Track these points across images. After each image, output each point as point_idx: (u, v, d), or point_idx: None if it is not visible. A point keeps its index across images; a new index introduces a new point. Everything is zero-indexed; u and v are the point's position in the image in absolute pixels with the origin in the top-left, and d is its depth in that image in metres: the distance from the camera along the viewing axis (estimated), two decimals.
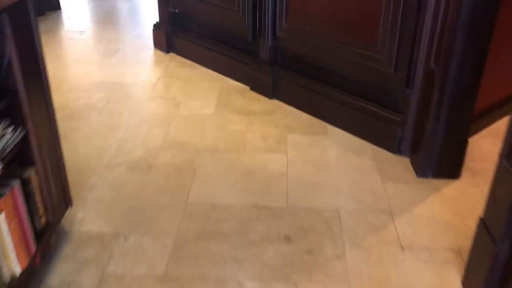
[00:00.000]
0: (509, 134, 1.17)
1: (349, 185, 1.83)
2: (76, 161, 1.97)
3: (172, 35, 3.05)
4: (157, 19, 3.13)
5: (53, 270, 1.45)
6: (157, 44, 3.17)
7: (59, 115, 2.33)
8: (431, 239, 1.57)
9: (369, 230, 1.60)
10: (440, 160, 1.84)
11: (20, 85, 1.23)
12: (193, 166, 1.94)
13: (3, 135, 1.20)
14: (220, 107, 2.43)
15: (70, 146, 2.07)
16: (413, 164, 1.93)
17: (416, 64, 1.84)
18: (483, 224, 1.28)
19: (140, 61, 3.02)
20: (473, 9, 1.58)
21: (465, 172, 1.89)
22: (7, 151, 1.19)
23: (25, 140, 1.29)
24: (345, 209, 1.69)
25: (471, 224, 1.60)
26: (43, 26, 3.65)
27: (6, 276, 1.19)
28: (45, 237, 1.40)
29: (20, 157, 1.29)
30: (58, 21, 3.84)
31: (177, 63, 2.97)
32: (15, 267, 1.22)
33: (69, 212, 1.63)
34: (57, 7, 4.06)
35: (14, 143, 1.23)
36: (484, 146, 2.09)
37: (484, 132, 2.19)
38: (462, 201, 1.75)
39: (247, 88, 2.63)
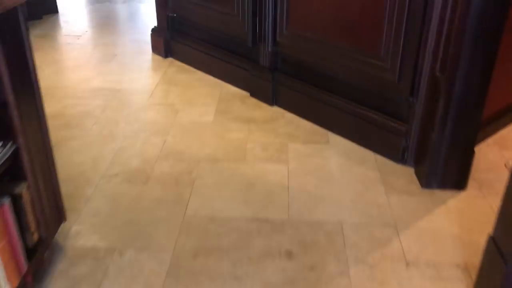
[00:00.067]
0: None
1: (352, 197, 1.77)
2: (71, 172, 1.92)
3: (171, 40, 3.00)
4: (156, 24, 3.08)
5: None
6: (156, 49, 3.12)
7: (55, 123, 2.29)
8: (437, 254, 1.52)
9: (373, 245, 1.55)
10: (446, 171, 1.79)
11: (11, 98, 1.18)
12: (192, 177, 1.88)
13: None
14: (220, 115, 2.37)
15: (65, 155, 2.02)
16: (417, 174, 1.88)
17: (421, 72, 1.79)
18: (493, 242, 1.23)
19: (138, 66, 2.97)
20: (480, 15, 1.53)
21: (471, 183, 1.84)
22: None
23: (16, 155, 1.23)
24: (348, 223, 1.64)
25: (479, 239, 1.55)
26: (40, 30, 3.61)
27: None
28: (37, 253, 1.35)
29: (11, 172, 1.24)
30: (55, 25, 3.79)
31: (175, 68, 2.92)
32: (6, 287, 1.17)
33: (63, 226, 1.58)
34: (54, 10, 4.02)
35: (4, 158, 1.18)
36: (490, 155, 2.04)
37: (490, 140, 2.14)
38: (468, 213, 1.70)
39: (247, 94, 2.58)
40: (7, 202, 1.18)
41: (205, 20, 2.69)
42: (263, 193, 1.80)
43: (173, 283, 1.40)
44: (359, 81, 2.04)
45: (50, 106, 2.43)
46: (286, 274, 1.44)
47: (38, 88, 1.33)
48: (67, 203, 1.69)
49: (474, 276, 1.36)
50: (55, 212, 1.46)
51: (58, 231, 1.54)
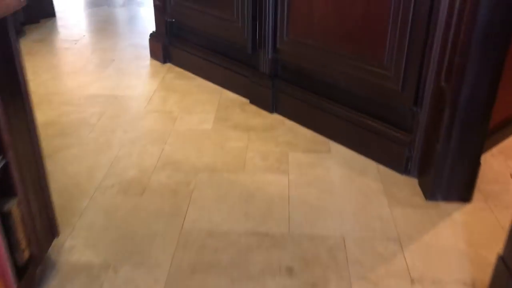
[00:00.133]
0: None
1: (354, 209, 1.72)
2: (65, 183, 1.87)
3: (169, 45, 2.95)
4: (154, 28, 3.03)
5: None
6: (154, 55, 3.07)
7: (50, 132, 2.24)
8: (443, 270, 1.47)
9: (377, 261, 1.50)
10: (451, 183, 1.74)
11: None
12: (189, 188, 1.83)
13: None
14: (219, 122, 2.32)
15: (60, 165, 1.97)
16: (421, 186, 1.83)
17: (425, 81, 1.74)
18: (503, 262, 1.18)
19: (136, 72, 2.92)
20: (487, 24, 1.48)
21: (476, 195, 1.79)
22: None
23: (5, 170, 1.18)
24: (351, 237, 1.59)
25: (486, 254, 1.51)
26: (37, 34, 3.56)
27: None
28: (28, 271, 1.30)
29: (0, 188, 1.19)
30: (52, 29, 3.74)
31: (174, 74, 2.87)
32: None
33: (57, 240, 1.53)
34: (52, 14, 3.97)
35: None
36: (495, 166, 1.99)
37: (495, 149, 2.09)
38: (475, 227, 1.65)
39: (247, 101, 2.53)
40: None
41: (204, 25, 2.64)
42: (263, 205, 1.75)
43: None
44: (361, 89, 1.99)
45: (45, 114, 2.39)
46: None
47: (28, 100, 1.27)
48: (61, 216, 1.64)
49: None
50: (47, 228, 1.41)
51: (51, 246, 1.49)
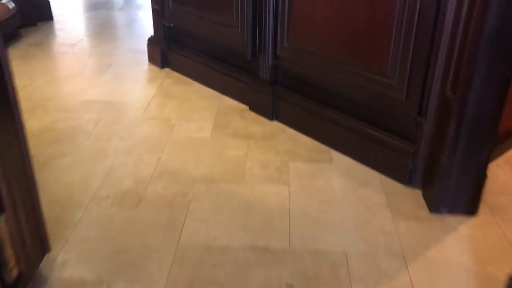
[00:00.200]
0: None
1: (357, 223, 1.67)
2: (59, 193, 1.81)
3: (168, 50, 2.90)
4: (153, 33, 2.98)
5: None
6: (152, 59, 3.02)
7: (44, 139, 2.18)
8: (449, 287, 1.42)
9: (380, 278, 1.44)
10: (456, 195, 1.69)
11: None
12: (187, 200, 1.78)
13: None
14: (217, 130, 2.27)
15: (53, 175, 1.92)
16: (425, 198, 1.78)
17: (430, 90, 1.69)
18: None
19: (134, 77, 2.87)
20: (496, 33, 1.43)
21: (482, 207, 1.74)
22: None
23: None
24: (354, 252, 1.54)
25: (492, 270, 1.46)
26: (33, 38, 3.51)
27: None
28: None
29: None
30: (50, 32, 3.69)
31: (172, 79, 2.82)
32: None
33: (49, 255, 1.47)
34: (49, 17, 3.91)
35: None
36: (501, 177, 1.94)
37: (500, 160, 2.04)
38: (481, 242, 1.59)
39: (246, 108, 2.47)
40: None
41: (203, 30, 2.59)
42: (263, 218, 1.69)
43: None
44: (363, 98, 1.94)
45: (40, 120, 2.33)
46: None
47: (18, 109, 1.22)
48: (54, 228, 1.60)
49: None
50: (38, 244, 1.35)
51: (43, 261, 1.44)
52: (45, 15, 3.86)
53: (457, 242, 1.59)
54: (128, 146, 2.12)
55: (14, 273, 1.23)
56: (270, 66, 2.28)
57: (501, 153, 2.05)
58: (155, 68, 2.97)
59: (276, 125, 2.32)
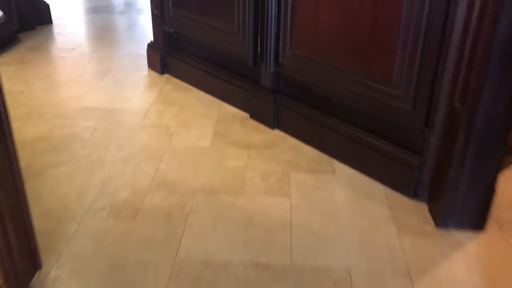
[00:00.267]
0: None
1: (360, 238, 1.61)
2: (53, 204, 1.76)
3: (167, 55, 2.85)
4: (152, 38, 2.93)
5: None
6: (151, 65, 2.97)
7: (40, 147, 2.13)
8: None
9: None
10: (463, 210, 1.63)
11: None
12: (185, 212, 1.72)
13: None
14: (217, 138, 2.22)
15: (48, 185, 1.86)
16: (431, 212, 1.72)
17: (437, 101, 1.63)
18: None
19: (133, 83, 2.81)
20: (507, 41, 1.37)
21: (490, 222, 1.68)
22: None
23: None
24: (357, 270, 1.48)
25: None
26: (32, 42, 3.46)
27: None
28: None
29: None
30: (48, 36, 3.64)
31: (172, 86, 2.77)
32: None
33: (41, 270, 1.42)
34: (48, 21, 3.87)
35: None
36: (509, 190, 1.88)
37: (509, 172, 1.98)
38: (489, 259, 1.54)
39: (247, 115, 2.42)
40: None
41: (203, 36, 2.54)
42: (263, 232, 1.64)
43: None
44: (367, 107, 1.89)
45: (36, 127, 2.28)
46: None
47: (8, 125, 1.17)
48: (47, 241, 1.54)
49: None
50: (28, 260, 1.30)
51: (35, 277, 1.38)
52: (44, 19, 3.82)
53: (464, 259, 1.53)
54: (126, 155, 2.07)
55: None
56: (272, 73, 2.23)
57: (508, 165, 2.00)
58: (155, 74, 2.92)
59: (278, 133, 2.27)
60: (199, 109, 2.50)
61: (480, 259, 1.53)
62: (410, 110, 1.70)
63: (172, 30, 2.77)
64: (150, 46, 2.94)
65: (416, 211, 1.75)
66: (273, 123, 2.30)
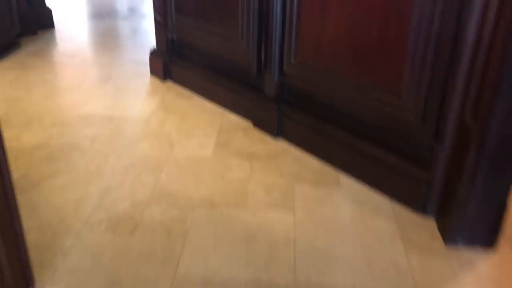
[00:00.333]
0: None
1: (367, 255, 1.55)
2: (50, 217, 1.71)
3: (170, 62, 2.80)
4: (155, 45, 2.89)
5: None
6: (154, 72, 2.92)
7: (38, 156, 2.08)
8: None
9: None
10: (473, 228, 1.57)
11: None
12: (185, 226, 1.67)
13: None
14: (220, 148, 2.16)
15: (45, 196, 1.81)
16: (440, 229, 1.66)
17: (447, 114, 1.57)
18: None
19: (135, 90, 2.77)
20: None
21: (502, 240, 1.62)
22: None
23: None
24: None
25: None
26: (33, 47, 3.42)
27: None
28: None
29: None
30: (50, 41, 3.60)
31: (174, 93, 2.72)
32: None
33: (34, 287, 1.37)
34: (50, 25, 3.83)
35: None
36: None
37: None
38: (500, 279, 1.48)
39: (250, 124, 2.37)
40: None
41: (207, 44, 2.49)
42: (266, 248, 1.58)
43: None
44: (374, 119, 1.83)
45: (35, 135, 2.23)
46: None
47: (0, 138, 1.12)
48: (42, 256, 1.49)
49: None
50: (19, 277, 1.25)
51: None
52: (46, 23, 3.78)
53: (474, 279, 1.47)
54: (126, 165, 2.02)
55: None
56: (276, 82, 2.18)
57: None
58: (157, 81, 2.88)
59: (281, 144, 2.22)
60: (201, 117, 2.45)
61: (491, 279, 1.47)
62: (418, 122, 1.65)
63: (175, 37, 2.72)
64: (153, 53, 2.90)
65: (424, 228, 1.69)
66: (276, 132, 2.25)
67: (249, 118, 2.39)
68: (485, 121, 1.41)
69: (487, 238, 1.59)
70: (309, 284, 1.44)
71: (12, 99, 2.59)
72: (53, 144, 2.16)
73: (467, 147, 1.49)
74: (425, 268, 1.51)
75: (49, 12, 3.81)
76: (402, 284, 1.45)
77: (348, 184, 1.93)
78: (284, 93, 2.21)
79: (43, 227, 1.65)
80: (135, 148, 2.16)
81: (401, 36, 1.61)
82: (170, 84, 2.83)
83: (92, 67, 3.10)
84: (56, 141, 2.19)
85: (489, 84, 1.38)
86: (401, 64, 1.64)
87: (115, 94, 2.70)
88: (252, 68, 2.24)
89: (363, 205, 1.80)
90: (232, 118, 2.45)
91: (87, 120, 2.39)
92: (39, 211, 1.73)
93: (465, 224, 1.57)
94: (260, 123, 2.30)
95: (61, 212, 1.73)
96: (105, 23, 4.11)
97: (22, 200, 1.79)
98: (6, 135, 2.23)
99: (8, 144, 2.16)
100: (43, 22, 3.75)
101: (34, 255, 1.50)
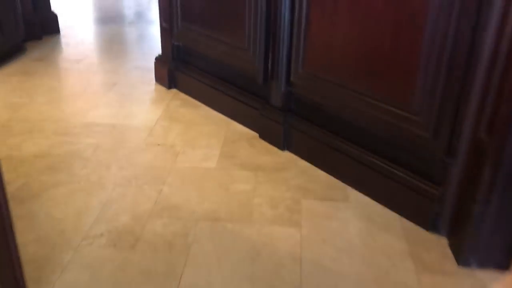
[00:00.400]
0: None
1: (376, 275, 1.49)
2: (49, 229, 1.66)
3: (175, 70, 2.76)
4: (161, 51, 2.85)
5: None
6: (159, 79, 2.88)
7: (39, 165, 2.03)
8: None
9: None
10: (488, 248, 1.51)
11: None
12: (187, 241, 1.61)
13: None
14: (224, 159, 2.11)
15: (45, 207, 1.77)
16: (452, 248, 1.60)
17: (461, 129, 1.52)
18: None
19: (139, 98, 2.72)
20: None
21: None
22: None
23: None
24: None
25: None
26: (37, 52, 3.39)
27: None
28: None
29: None
30: (55, 46, 3.57)
31: (179, 101, 2.67)
32: None
33: None
34: (56, 30, 3.80)
35: None
36: None
37: None
38: None
39: (256, 135, 2.32)
40: None
41: (213, 51, 2.44)
42: (271, 266, 1.52)
43: None
44: (385, 133, 1.78)
45: (36, 144, 2.19)
46: None
47: None
48: (39, 271, 1.45)
49: None
50: None
51: None
52: (51, 28, 3.75)
53: None
54: (128, 176, 1.97)
55: None
56: (283, 92, 2.13)
57: None
58: (162, 89, 2.83)
59: (288, 156, 2.16)
60: (206, 127, 2.40)
61: None
62: (430, 137, 1.59)
63: (180, 44, 2.68)
64: (158, 60, 2.86)
65: (436, 246, 1.63)
66: (283, 144, 2.20)
67: (255, 128, 2.34)
68: (502, 138, 1.35)
69: (502, 260, 1.53)
70: None
71: (15, 105, 2.55)
72: (55, 153, 2.12)
73: (482, 164, 1.43)
74: None
75: (54, 16, 3.78)
76: None
77: (357, 199, 1.87)
78: (291, 103, 2.16)
79: (41, 240, 1.60)
80: (138, 158, 2.11)
81: (414, 48, 1.56)
82: (175, 91, 2.79)
83: (96, 74, 3.06)
84: (58, 149, 2.15)
85: (507, 99, 1.32)
86: (413, 77, 1.59)
87: (119, 102, 2.66)
88: (258, 77, 2.19)
89: (372, 221, 1.74)
90: (238, 128, 2.40)
91: (89, 128, 2.34)
92: (38, 223, 1.68)
93: (478, 244, 1.50)
94: (266, 134, 2.25)
95: (61, 224, 1.69)
96: (112, 28, 4.08)
97: (22, 211, 1.75)
98: (8, 143, 2.19)
99: (9, 152, 2.12)
100: (48, 27, 3.73)
101: (31, 270, 1.46)
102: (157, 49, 2.99)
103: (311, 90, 2.00)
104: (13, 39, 3.20)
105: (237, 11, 2.20)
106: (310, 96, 2.04)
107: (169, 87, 2.81)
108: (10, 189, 1.86)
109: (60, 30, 3.85)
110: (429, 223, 1.69)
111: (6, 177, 1.89)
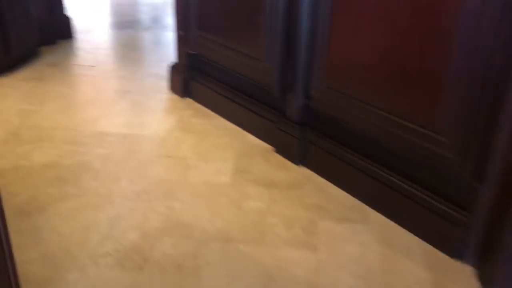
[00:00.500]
0: None
1: None
2: (54, 246, 1.59)
3: (190, 79, 2.69)
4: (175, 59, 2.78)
5: None
6: (173, 88, 2.81)
7: (47, 176, 1.97)
8: None
9: None
10: None
11: None
12: (198, 263, 1.54)
13: None
14: (238, 174, 2.03)
15: (51, 223, 1.70)
16: (480, 279, 1.50)
17: (491, 152, 1.42)
18: None
19: (152, 107, 2.66)
20: None
21: None
22: None
23: None
24: None
25: None
26: (51, 57, 3.34)
27: None
28: None
29: None
30: (69, 52, 3.52)
31: (192, 111, 2.60)
32: None
33: None
34: (70, 35, 3.75)
35: None
36: None
37: None
38: None
39: (271, 148, 2.23)
40: None
41: (228, 61, 2.37)
42: None
43: None
44: (408, 152, 1.68)
45: (45, 153, 2.13)
46: None
47: None
48: None
49: None
50: None
51: None
52: (65, 33, 3.70)
53: None
54: (138, 190, 1.90)
55: None
56: (300, 105, 2.04)
57: None
58: (176, 98, 2.76)
59: (304, 171, 2.07)
60: (220, 139, 2.32)
61: None
62: (457, 160, 1.50)
63: (195, 52, 2.61)
64: (172, 68, 2.79)
65: (461, 276, 1.53)
66: (299, 159, 2.11)
67: (270, 142, 2.26)
68: None
69: None
70: None
71: (25, 112, 2.51)
72: (64, 164, 2.06)
73: None
74: None
75: (69, 21, 3.74)
76: None
77: (377, 221, 1.77)
78: (309, 118, 2.07)
79: (45, 259, 1.54)
80: (149, 171, 2.04)
81: (441, 64, 1.47)
82: (189, 101, 2.72)
83: (110, 80, 3.00)
84: (67, 160, 2.09)
85: None
86: (440, 96, 1.50)
87: (131, 110, 2.60)
88: (275, 88, 2.11)
89: (392, 245, 1.65)
90: (252, 140, 2.32)
91: (100, 138, 2.28)
92: (43, 239, 1.62)
93: (509, 277, 1.40)
94: (282, 148, 2.17)
95: (66, 241, 1.62)
96: (127, 34, 4.03)
97: (27, 226, 1.69)
98: (17, 152, 2.14)
99: (18, 162, 2.06)
100: (63, 31, 3.68)
101: None
102: (172, 56, 2.93)
103: (330, 105, 1.92)
104: (27, 44, 3.16)
105: (254, 21, 2.12)
106: (328, 111, 1.95)
107: (183, 96, 2.74)
108: (16, 201, 1.80)
109: (75, 34, 3.81)
110: (453, 251, 1.59)
111: (13, 188, 1.85)
